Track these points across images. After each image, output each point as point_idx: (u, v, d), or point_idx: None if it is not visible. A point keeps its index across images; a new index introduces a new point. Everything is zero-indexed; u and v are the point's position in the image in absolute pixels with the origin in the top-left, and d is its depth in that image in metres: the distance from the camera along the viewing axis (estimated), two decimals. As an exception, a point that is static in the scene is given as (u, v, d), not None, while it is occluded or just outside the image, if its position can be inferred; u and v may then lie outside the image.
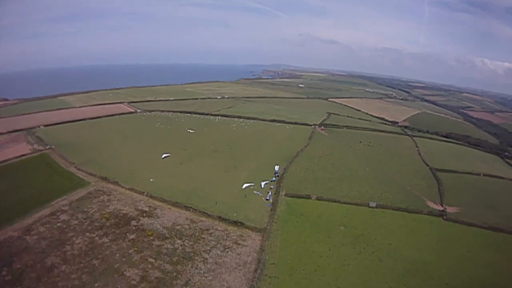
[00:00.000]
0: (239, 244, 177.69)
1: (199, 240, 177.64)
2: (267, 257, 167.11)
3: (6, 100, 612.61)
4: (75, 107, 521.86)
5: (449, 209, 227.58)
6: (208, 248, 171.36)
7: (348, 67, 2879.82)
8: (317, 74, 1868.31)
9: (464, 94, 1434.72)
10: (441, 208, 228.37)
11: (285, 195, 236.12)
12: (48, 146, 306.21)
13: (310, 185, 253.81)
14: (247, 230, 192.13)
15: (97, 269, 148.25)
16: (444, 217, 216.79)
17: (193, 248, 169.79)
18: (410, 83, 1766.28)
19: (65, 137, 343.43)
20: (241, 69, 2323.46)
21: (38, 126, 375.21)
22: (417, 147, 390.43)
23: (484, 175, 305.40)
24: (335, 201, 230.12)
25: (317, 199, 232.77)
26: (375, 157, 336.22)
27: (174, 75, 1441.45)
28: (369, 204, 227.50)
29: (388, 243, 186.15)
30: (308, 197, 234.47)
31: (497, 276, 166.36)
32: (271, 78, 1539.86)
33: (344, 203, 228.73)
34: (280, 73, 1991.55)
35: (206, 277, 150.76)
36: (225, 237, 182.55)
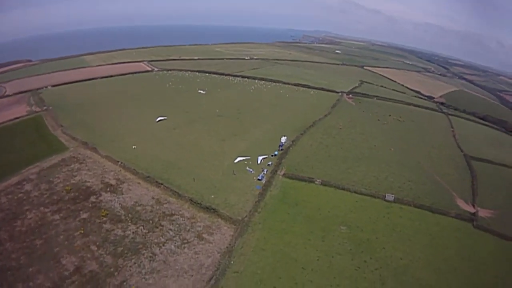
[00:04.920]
0: (203, 238, 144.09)
1: (156, 228, 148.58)
2: (232, 262, 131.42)
3: (30, 61, 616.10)
4: (92, 66, 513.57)
5: (481, 212, 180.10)
6: (163, 240, 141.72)
7: (390, 39, 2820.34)
8: (357, 42, 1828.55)
9: (501, 77, 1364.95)
10: (472, 210, 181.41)
11: (283, 175, 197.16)
12: (45, 108, 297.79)
13: (319, 164, 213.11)
14: (219, 219, 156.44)
15: (37, 251, 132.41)
16: (474, 223, 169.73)
17: (145, 237, 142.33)
18: (449, 60, 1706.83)
19: (67, 97, 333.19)
20: (282, 32, 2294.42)
21: (46, 87, 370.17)
22: (452, 127, 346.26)
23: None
24: (343, 189, 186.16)
25: (322, 183, 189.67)
26: (404, 135, 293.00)
27: (211, 36, 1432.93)
28: (385, 196, 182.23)
29: (399, 256, 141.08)
30: (311, 180, 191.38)
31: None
32: (309, 43, 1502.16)
33: (355, 192, 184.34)
34: (320, 39, 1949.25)
35: (146, 279, 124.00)
36: (188, 227, 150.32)
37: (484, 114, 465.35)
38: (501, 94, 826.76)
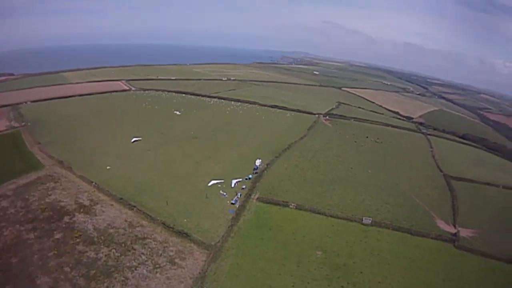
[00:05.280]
0: (175, 263, 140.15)
1: (129, 251, 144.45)
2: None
3: (12, 75, 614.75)
4: (71, 83, 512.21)
5: (463, 232, 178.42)
6: (135, 264, 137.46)
7: (369, 59, 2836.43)
8: (335, 63, 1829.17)
9: (482, 95, 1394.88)
10: (453, 231, 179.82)
11: (257, 199, 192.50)
12: (23, 123, 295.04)
13: (294, 188, 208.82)
14: (192, 244, 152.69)
15: (13, 269, 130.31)
16: (456, 243, 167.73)
17: (117, 261, 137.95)
18: (428, 80, 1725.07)
19: (45, 113, 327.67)
20: (260, 53, 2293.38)
21: (26, 102, 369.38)
22: (431, 147, 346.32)
23: (504, 187, 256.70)
24: (319, 213, 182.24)
25: (296, 207, 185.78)
26: (382, 157, 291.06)
27: (190, 56, 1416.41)
28: (362, 220, 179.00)
29: (378, 280, 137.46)
30: (285, 204, 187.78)
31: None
32: (287, 64, 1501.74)
33: (331, 216, 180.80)
34: (298, 60, 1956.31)
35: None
36: (160, 252, 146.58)
37: (464, 132, 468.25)
38: (482, 112, 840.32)
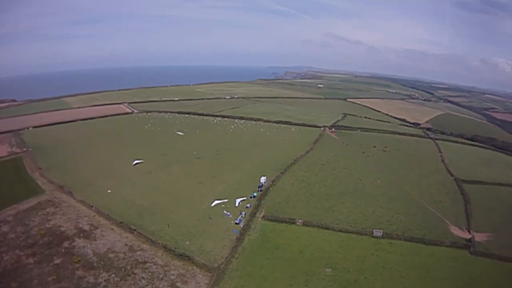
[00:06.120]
0: (177, 287, 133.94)
1: (128, 276, 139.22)
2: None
3: (14, 101, 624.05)
4: (73, 108, 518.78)
5: (478, 237, 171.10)
6: None
7: (373, 69, 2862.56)
8: (339, 75, 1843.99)
9: (487, 95, 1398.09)
10: (467, 236, 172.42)
11: (263, 217, 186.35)
12: (25, 149, 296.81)
13: (300, 204, 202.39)
14: (194, 267, 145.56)
15: None
16: (471, 249, 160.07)
17: (117, 286, 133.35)
18: (433, 85, 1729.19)
19: (46, 139, 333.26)
20: (264, 70, 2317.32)
21: (27, 128, 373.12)
22: (440, 152, 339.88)
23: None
24: (327, 228, 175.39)
25: (303, 224, 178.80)
26: (390, 166, 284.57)
27: (193, 76, 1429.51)
28: (373, 232, 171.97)
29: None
30: (292, 221, 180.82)
31: None
32: (291, 79, 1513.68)
33: (340, 230, 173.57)
34: (302, 74, 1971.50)
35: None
36: (161, 276, 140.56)
37: (472, 134, 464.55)
38: (488, 112, 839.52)
